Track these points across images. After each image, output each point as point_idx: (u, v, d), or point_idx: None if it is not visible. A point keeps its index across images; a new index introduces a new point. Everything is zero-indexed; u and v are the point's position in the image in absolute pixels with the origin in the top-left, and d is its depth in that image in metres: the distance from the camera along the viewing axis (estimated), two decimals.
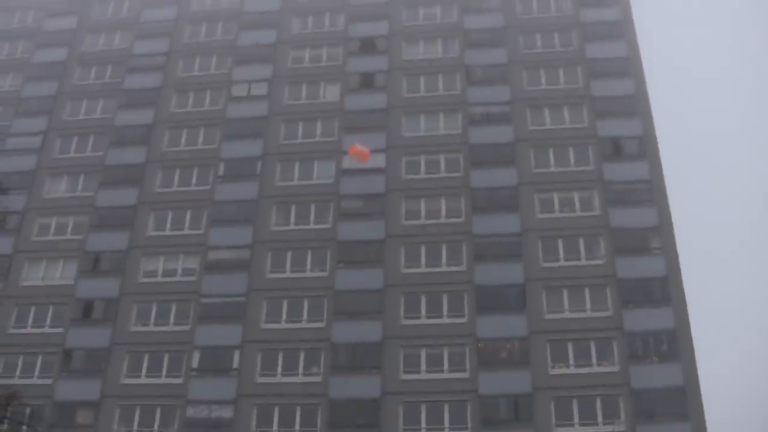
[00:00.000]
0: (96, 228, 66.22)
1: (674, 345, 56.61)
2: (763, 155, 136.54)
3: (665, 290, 58.67)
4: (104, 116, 73.23)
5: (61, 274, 65.28)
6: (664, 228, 61.27)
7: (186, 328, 61.01)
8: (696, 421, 53.86)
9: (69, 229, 67.27)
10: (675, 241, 61.04)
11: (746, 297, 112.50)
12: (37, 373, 60.64)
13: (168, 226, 66.26)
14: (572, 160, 65.71)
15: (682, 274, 59.56)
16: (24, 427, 53.74)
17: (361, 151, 31.45)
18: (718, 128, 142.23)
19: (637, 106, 67.31)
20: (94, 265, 64.84)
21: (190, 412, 57.44)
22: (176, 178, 68.67)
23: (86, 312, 62.76)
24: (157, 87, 73.83)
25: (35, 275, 65.51)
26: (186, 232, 65.67)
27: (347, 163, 30.69)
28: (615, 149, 65.39)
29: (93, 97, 74.85)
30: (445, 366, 57.76)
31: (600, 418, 55.05)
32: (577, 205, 63.57)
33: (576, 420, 55.14)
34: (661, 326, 57.27)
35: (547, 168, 65.36)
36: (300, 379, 58.36)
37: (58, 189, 69.90)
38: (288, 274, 62.58)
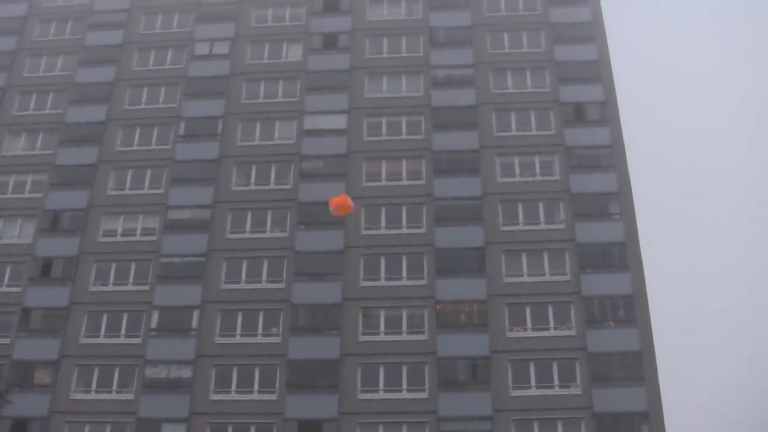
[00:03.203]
0: (55, 186, 65.59)
1: (631, 310, 57.29)
2: (725, 121, 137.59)
3: (623, 256, 59.28)
4: (64, 73, 72.22)
5: (19, 232, 64.66)
6: (623, 194, 61.76)
7: (145, 287, 60.80)
8: (650, 386, 54.60)
9: (27, 188, 66.56)
10: (634, 207, 61.59)
11: (703, 263, 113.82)
12: None
13: (128, 185, 65.76)
14: (534, 124, 65.91)
15: (641, 240, 60.16)
16: None
17: (341, 203, 31.28)
18: (679, 95, 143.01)
19: (599, 71, 67.53)
20: (53, 223, 64.29)
21: (149, 372, 57.38)
22: (137, 136, 68.07)
23: (45, 271, 62.27)
24: (119, 44, 72.91)
25: None
26: (146, 191, 65.23)
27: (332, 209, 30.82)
28: (577, 114, 65.69)
29: (53, 53, 73.75)
30: (404, 328, 58.09)
31: (556, 382, 55.67)
32: (538, 169, 63.85)
33: (533, 383, 55.71)
34: (619, 291, 57.89)
35: (508, 132, 65.51)
36: (259, 339, 58.44)
37: (16, 147, 69.04)
38: (248, 235, 62.50)
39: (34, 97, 71.34)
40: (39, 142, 68.95)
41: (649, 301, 57.97)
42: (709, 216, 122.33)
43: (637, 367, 55.26)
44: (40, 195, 65.70)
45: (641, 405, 53.96)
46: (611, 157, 63.49)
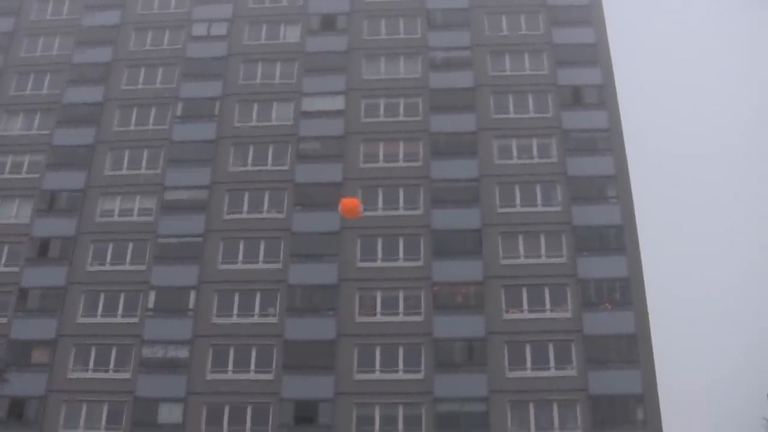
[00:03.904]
0: (52, 167, 65.50)
1: (627, 293, 57.40)
2: (724, 105, 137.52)
3: (620, 239, 59.39)
4: (61, 54, 71.98)
5: (16, 212, 64.67)
6: (620, 177, 61.82)
7: (142, 267, 60.86)
8: (646, 368, 54.77)
9: (25, 168, 66.51)
10: (631, 190, 61.63)
11: (701, 247, 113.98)
12: None
13: (125, 165, 65.72)
14: (531, 107, 65.88)
15: (637, 223, 60.23)
16: None
17: (351, 207, 31.39)
18: (678, 79, 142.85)
19: (597, 55, 67.46)
20: (50, 204, 64.27)
21: (146, 351, 57.52)
22: (134, 117, 67.98)
23: (42, 251, 62.30)
24: (116, 24, 72.62)
25: None
26: (143, 171, 65.20)
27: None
28: (574, 97, 65.67)
29: (50, 34, 73.46)
30: (401, 309, 58.24)
31: (552, 363, 55.86)
32: (535, 151, 63.88)
33: (528, 364, 55.93)
34: (615, 274, 58.02)
35: (506, 114, 65.50)
36: (256, 320, 58.61)
37: (13, 127, 68.97)
38: (245, 216, 62.55)
39: (31, 78, 71.15)
40: (36, 122, 68.86)
41: (646, 285, 58.08)
42: (708, 200, 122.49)
43: (633, 349, 55.43)
44: (37, 175, 65.63)
45: (636, 387, 54.11)
46: (609, 141, 63.49)
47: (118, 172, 65.39)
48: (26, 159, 66.84)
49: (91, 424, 56.26)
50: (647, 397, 53.91)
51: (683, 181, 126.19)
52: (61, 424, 56.18)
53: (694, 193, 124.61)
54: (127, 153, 66.13)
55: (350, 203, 32.40)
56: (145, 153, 66.00)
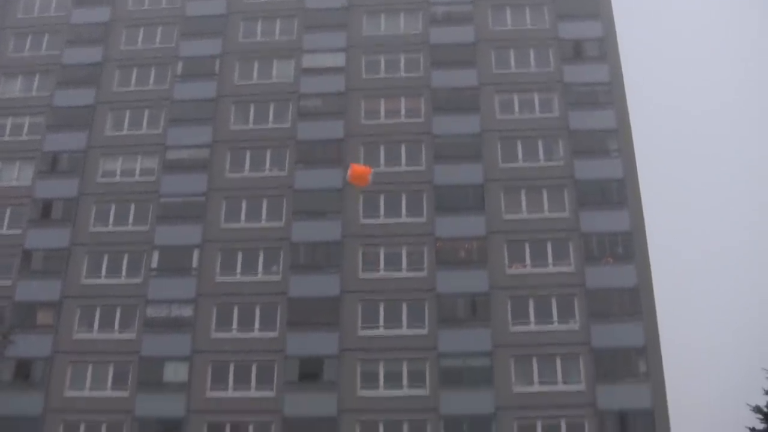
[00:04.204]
0: (53, 128, 65.34)
1: (629, 247, 57.44)
2: (728, 58, 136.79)
3: (622, 192, 59.34)
4: (59, 14, 71.50)
5: (18, 174, 64.62)
6: (622, 131, 61.62)
7: (145, 228, 60.93)
8: (648, 321, 54.97)
9: (25, 130, 66.38)
10: (633, 143, 61.44)
11: (704, 201, 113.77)
12: None
13: (126, 126, 65.58)
14: (533, 61, 65.52)
15: (639, 177, 60.12)
16: None
17: (360, 174, 31.03)
18: (680, 31, 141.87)
19: (598, 7, 66.93)
20: (51, 165, 64.19)
21: (150, 311, 57.75)
22: (134, 77, 67.70)
23: (45, 213, 62.35)
24: None
25: None
26: (144, 131, 65.07)
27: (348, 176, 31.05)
28: (576, 51, 65.27)
29: None
30: (404, 265, 58.34)
31: (555, 317, 56.06)
32: (537, 106, 63.66)
33: (532, 319, 56.12)
34: (617, 228, 58.03)
35: (507, 69, 65.17)
36: (260, 278, 58.76)
37: (13, 89, 68.72)
38: (247, 174, 62.49)
39: (29, 39, 70.78)
40: (35, 83, 68.62)
41: (648, 238, 58.09)
42: (710, 153, 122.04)
43: (635, 303, 55.56)
44: (38, 137, 65.50)
45: (639, 340, 54.32)
46: (610, 94, 63.21)
47: (119, 133, 65.27)
48: (26, 121, 66.69)
49: (97, 385, 56.58)
50: (649, 350, 54.12)
51: (685, 135, 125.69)
52: (67, 384, 56.49)
53: (695, 146, 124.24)
54: (127, 113, 65.96)
55: (360, 170, 32.07)
56: (146, 113, 65.83)
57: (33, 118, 66.64)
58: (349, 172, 31.86)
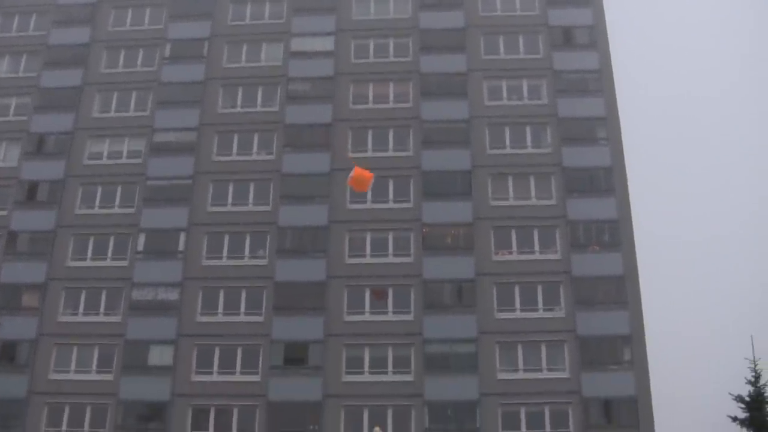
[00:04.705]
0: (40, 109, 64.99)
1: (616, 234, 57.61)
2: (717, 45, 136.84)
3: (609, 180, 59.40)
4: None
5: (4, 156, 64.31)
6: (610, 119, 61.64)
7: (131, 210, 60.78)
8: (633, 309, 55.18)
9: (12, 111, 66.05)
10: (621, 131, 61.47)
11: (692, 190, 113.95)
12: None
13: (113, 107, 65.29)
14: (522, 47, 65.39)
15: (627, 165, 60.18)
16: None
17: (362, 179, 30.58)
18: (670, 19, 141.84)
19: None
20: (38, 146, 63.86)
21: (136, 294, 57.67)
22: (121, 59, 67.34)
23: (31, 194, 62.14)
24: None
25: None
26: (131, 114, 64.78)
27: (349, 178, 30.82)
28: (565, 38, 65.18)
29: None
30: (390, 250, 58.35)
31: (541, 305, 56.21)
32: (526, 93, 63.59)
33: (517, 305, 56.26)
34: (604, 216, 58.16)
35: (496, 55, 65.04)
36: (246, 261, 58.74)
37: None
38: (234, 157, 62.31)
39: (16, 19, 70.30)
40: (22, 64, 68.22)
41: (634, 226, 58.21)
42: (698, 141, 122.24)
43: (621, 291, 55.80)
44: (24, 118, 65.16)
45: (624, 328, 54.57)
46: (599, 82, 63.18)
47: (106, 115, 64.98)
48: (13, 101, 66.34)
49: (82, 367, 56.61)
50: (634, 338, 54.35)
51: (673, 123, 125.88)
52: (52, 367, 56.46)
53: (684, 134, 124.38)
54: (115, 95, 65.65)
55: (362, 175, 31.48)
56: (134, 95, 65.53)
57: (20, 99, 66.29)
58: (351, 173, 31.32)
